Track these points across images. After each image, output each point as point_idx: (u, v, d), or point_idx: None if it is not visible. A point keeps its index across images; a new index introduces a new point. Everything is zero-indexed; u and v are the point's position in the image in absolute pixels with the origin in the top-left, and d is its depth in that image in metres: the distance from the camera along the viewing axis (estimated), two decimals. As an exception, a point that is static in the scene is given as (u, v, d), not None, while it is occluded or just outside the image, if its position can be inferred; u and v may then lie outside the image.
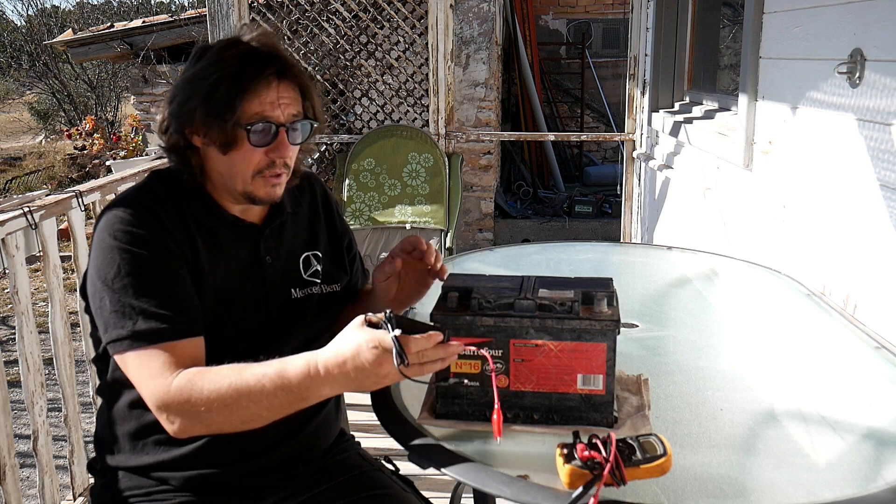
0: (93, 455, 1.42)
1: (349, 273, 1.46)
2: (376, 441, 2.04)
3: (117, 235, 1.19)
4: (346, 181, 3.84)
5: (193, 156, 1.27)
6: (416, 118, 4.27)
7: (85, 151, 9.63)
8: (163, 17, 8.20)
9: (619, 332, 1.11)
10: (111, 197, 1.28)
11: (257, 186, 1.26)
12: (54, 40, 9.47)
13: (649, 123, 4.02)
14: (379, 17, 4.21)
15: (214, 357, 1.17)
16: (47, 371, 2.30)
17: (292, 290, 1.35)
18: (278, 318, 1.33)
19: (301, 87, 1.27)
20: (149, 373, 1.13)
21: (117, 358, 1.18)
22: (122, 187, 2.48)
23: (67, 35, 8.77)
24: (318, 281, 1.38)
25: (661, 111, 3.86)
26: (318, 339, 1.22)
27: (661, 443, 0.98)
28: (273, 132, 1.23)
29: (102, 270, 1.18)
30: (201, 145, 1.26)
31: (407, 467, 1.30)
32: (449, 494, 1.74)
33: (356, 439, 1.54)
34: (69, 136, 10.52)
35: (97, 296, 1.19)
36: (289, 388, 1.07)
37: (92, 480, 1.44)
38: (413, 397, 1.23)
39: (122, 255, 1.17)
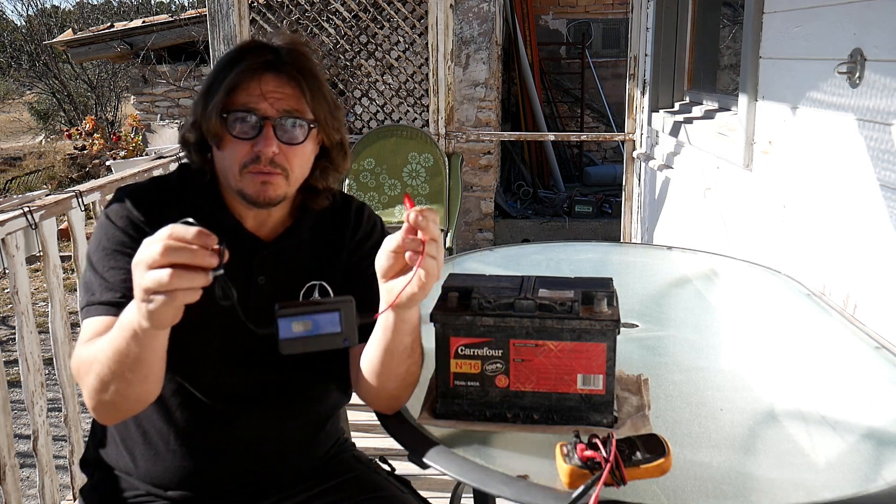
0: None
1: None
2: (376, 441, 2.04)
3: (109, 214, 1.23)
4: (346, 181, 3.84)
5: (200, 153, 1.25)
6: (416, 118, 4.27)
7: (85, 151, 9.65)
8: (163, 17, 8.21)
9: (619, 332, 1.11)
10: (111, 197, 1.29)
11: (246, 183, 1.19)
12: (54, 40, 9.47)
13: (649, 123, 4.02)
14: (379, 17, 4.21)
15: (174, 358, 1.11)
16: (47, 371, 2.30)
17: None
18: (254, 339, 1.20)
19: (301, 85, 1.19)
20: (79, 342, 1.14)
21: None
22: (122, 187, 2.49)
23: (67, 35, 8.78)
24: None
25: (661, 111, 3.86)
26: (308, 369, 1.23)
27: (662, 443, 0.98)
28: (256, 124, 1.17)
29: (91, 244, 1.23)
30: (209, 141, 1.23)
31: (406, 467, 1.30)
32: (449, 494, 1.74)
33: (353, 440, 1.51)
34: (69, 136, 10.54)
35: (84, 268, 1.23)
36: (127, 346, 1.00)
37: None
38: (413, 397, 1.23)
39: (106, 230, 1.21)
